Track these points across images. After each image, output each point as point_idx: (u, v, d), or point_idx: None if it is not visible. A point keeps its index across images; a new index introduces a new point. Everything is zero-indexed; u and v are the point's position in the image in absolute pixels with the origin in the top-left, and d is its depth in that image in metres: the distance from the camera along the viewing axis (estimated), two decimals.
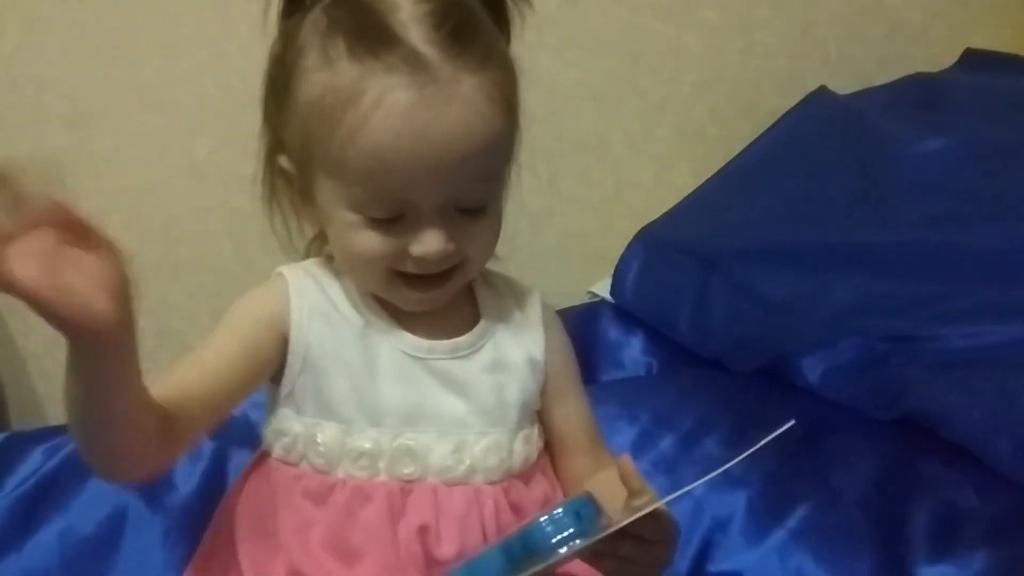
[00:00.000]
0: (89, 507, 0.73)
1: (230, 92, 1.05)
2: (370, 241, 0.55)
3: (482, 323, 0.61)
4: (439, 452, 0.57)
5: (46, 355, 1.08)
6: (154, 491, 0.73)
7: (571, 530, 0.48)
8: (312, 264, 0.62)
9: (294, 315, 0.58)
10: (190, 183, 1.06)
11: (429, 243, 0.54)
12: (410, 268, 0.56)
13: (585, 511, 0.49)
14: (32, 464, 0.77)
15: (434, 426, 0.57)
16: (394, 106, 0.52)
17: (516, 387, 0.60)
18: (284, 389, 0.58)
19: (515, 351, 0.61)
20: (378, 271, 0.57)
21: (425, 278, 0.57)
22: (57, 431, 0.82)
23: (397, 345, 0.59)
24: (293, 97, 0.56)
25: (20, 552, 0.71)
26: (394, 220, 0.55)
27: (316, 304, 0.59)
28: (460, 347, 0.59)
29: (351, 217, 0.55)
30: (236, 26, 1.04)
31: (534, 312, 0.63)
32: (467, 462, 0.57)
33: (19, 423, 1.06)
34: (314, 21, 0.55)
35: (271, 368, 0.58)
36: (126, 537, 0.71)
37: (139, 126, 1.04)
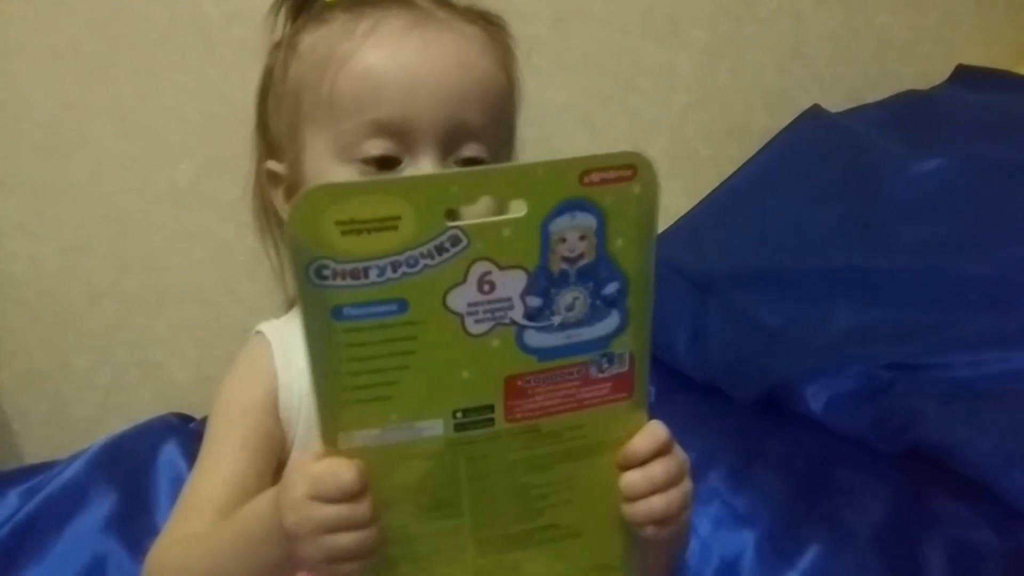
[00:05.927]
0: (68, 555, 0.70)
1: (212, 118, 1.02)
2: None
3: None
4: None
5: (21, 391, 1.04)
6: (135, 538, 0.70)
7: None
8: (293, 315, 0.59)
9: (281, 379, 0.55)
10: (172, 211, 1.03)
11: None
12: None
13: None
14: (7, 509, 0.74)
15: None
16: (389, 30, 0.51)
17: None
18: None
19: None
20: None
21: None
22: (33, 471, 0.79)
23: None
24: (288, 78, 0.55)
25: None
26: (388, 164, 0.51)
27: (299, 359, 0.56)
28: None
29: (340, 171, 0.52)
30: (218, 51, 1.01)
31: None
32: None
33: None
34: (311, 17, 0.55)
35: (290, 438, 0.56)
36: None
37: (119, 153, 1.01)
